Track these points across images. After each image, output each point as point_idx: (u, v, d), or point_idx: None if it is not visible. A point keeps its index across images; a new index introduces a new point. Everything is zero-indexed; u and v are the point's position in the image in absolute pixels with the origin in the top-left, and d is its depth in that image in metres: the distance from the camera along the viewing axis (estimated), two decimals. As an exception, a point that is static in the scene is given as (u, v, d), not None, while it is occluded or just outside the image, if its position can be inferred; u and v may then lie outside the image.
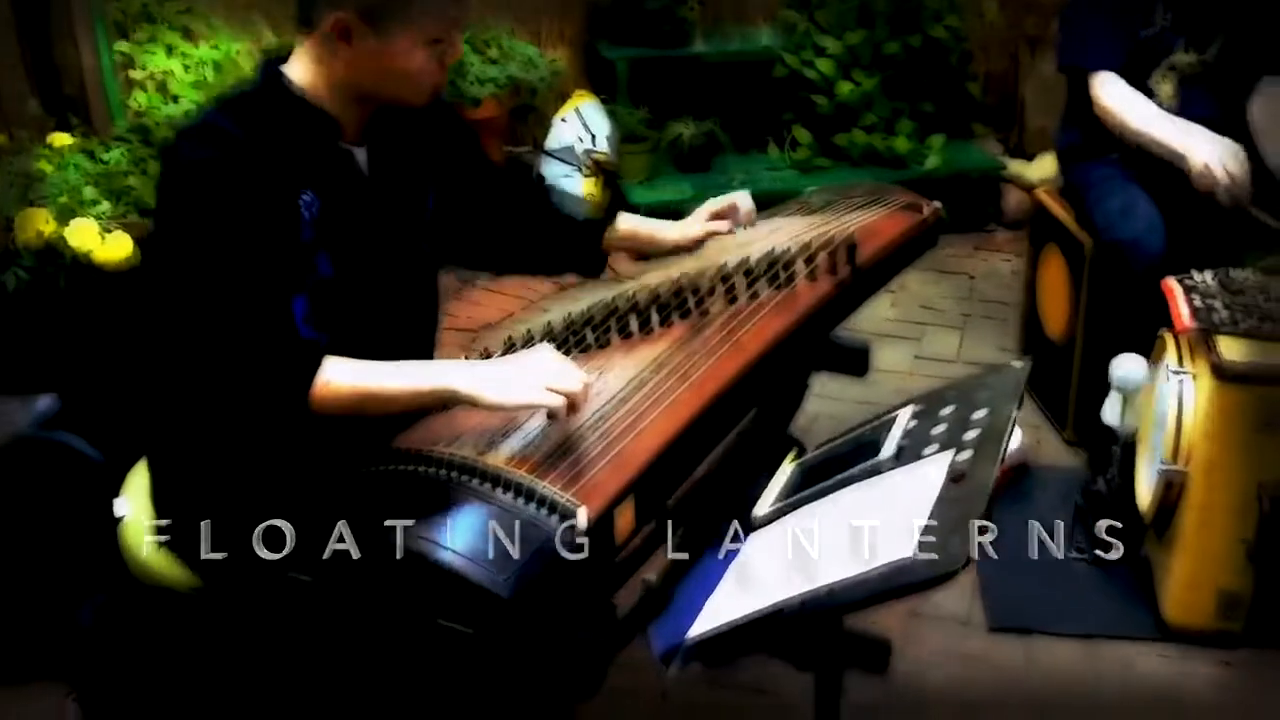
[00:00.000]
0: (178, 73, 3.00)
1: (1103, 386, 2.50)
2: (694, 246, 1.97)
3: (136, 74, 3.05)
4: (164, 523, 1.59)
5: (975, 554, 1.13)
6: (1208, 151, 2.38)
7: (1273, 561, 2.17)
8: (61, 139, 2.66)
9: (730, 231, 1.98)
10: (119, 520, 1.73)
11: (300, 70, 1.53)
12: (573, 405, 1.41)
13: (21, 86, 2.94)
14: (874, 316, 3.47)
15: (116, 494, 1.83)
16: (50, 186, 2.41)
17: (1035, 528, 2.52)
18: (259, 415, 1.45)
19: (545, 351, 1.47)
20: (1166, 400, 2.17)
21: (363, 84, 1.52)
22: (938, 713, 2.14)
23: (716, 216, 1.97)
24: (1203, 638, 2.25)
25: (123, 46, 3.06)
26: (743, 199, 1.99)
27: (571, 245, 1.96)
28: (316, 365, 1.41)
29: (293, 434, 1.44)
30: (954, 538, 1.15)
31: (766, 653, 1.47)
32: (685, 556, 1.88)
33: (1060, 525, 2.56)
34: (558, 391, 1.40)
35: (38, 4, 2.99)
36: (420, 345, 1.72)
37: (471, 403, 1.41)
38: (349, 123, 1.56)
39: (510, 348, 1.69)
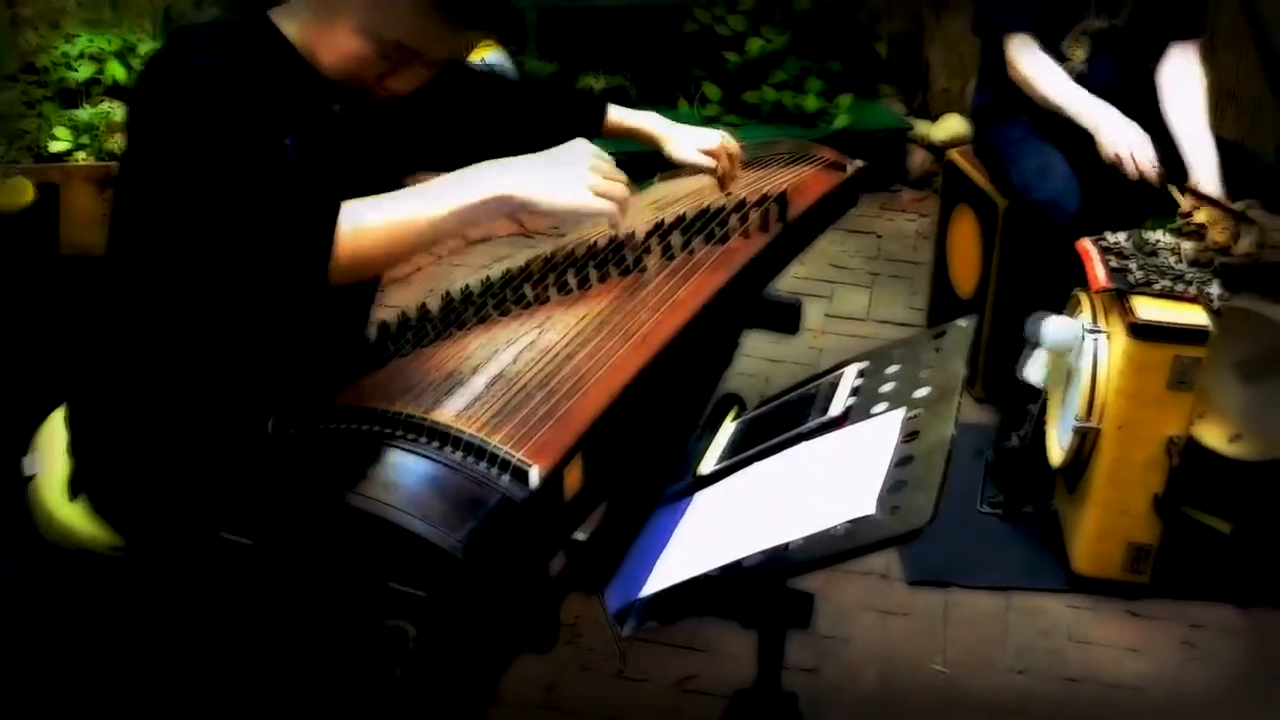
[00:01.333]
0: (71, 9, 2.84)
1: (1013, 344, 2.55)
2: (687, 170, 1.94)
3: (27, 10, 2.89)
4: (85, 476, 1.52)
5: (936, 514, 1.14)
6: (1117, 139, 2.47)
7: (1179, 514, 2.25)
8: (-47, 78, 2.50)
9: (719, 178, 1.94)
10: (27, 479, 1.65)
11: (290, 15, 1.41)
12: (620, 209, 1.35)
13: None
14: (784, 275, 3.49)
15: (19, 451, 1.74)
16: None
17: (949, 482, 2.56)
18: (286, 286, 1.31)
19: (581, 145, 1.38)
20: (1080, 358, 2.23)
21: (311, 39, 1.40)
22: (861, 665, 2.17)
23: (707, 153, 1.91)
24: (1110, 588, 2.32)
25: (13, -19, 2.90)
26: (730, 148, 1.93)
27: (575, 111, 1.89)
28: (335, 212, 1.28)
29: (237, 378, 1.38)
30: (916, 496, 1.16)
31: (711, 611, 1.46)
32: (616, 516, 1.88)
33: (973, 480, 2.62)
34: (604, 195, 1.34)
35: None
36: (363, 294, 1.66)
37: (527, 209, 1.32)
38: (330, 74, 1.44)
39: (448, 305, 1.65)
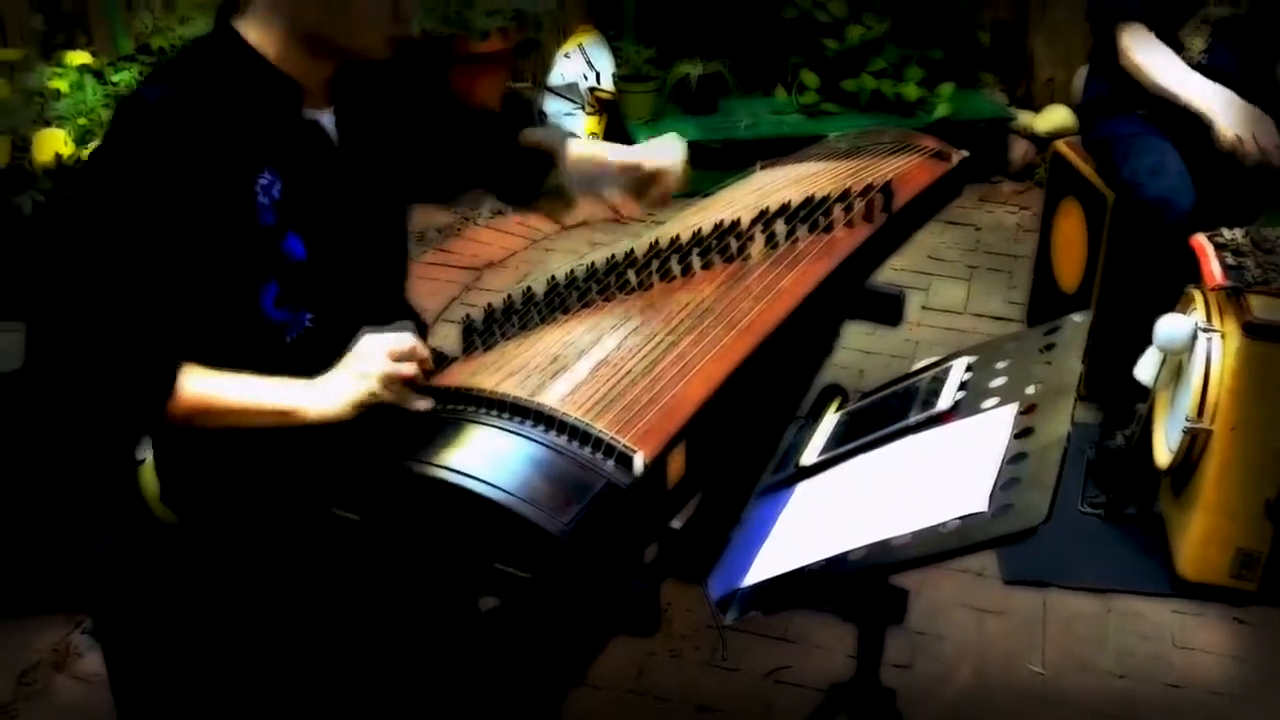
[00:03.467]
0: (185, -9, 2.91)
1: (1119, 341, 2.49)
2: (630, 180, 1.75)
3: (140, -8, 2.97)
4: (172, 474, 1.55)
5: (1051, 513, 1.11)
6: (1237, 123, 2.38)
7: (1292, 521, 2.18)
8: (78, 57, 2.56)
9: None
10: (139, 462, 1.69)
11: (255, 21, 1.39)
12: (417, 377, 1.34)
13: (22, 2, 2.84)
14: (881, 266, 3.45)
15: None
16: (66, 107, 2.32)
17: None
18: (103, 415, 1.34)
19: (365, 343, 1.35)
20: (1192, 357, 2.17)
21: (317, 28, 1.37)
22: (954, 663, 2.14)
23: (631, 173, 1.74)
24: (1216, 594, 2.26)
25: (128, -37, 2.97)
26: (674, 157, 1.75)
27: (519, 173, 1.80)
28: (172, 379, 1.32)
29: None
30: (1030, 494, 1.13)
31: (812, 603, 1.45)
32: (712, 505, 1.88)
33: (1074, 479, 2.56)
34: (389, 378, 1.32)
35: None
36: (394, 299, 1.66)
37: (302, 419, 1.33)
38: (313, 84, 1.42)
39: (553, 288, 1.65)
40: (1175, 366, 2.29)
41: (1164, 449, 2.30)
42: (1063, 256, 3.00)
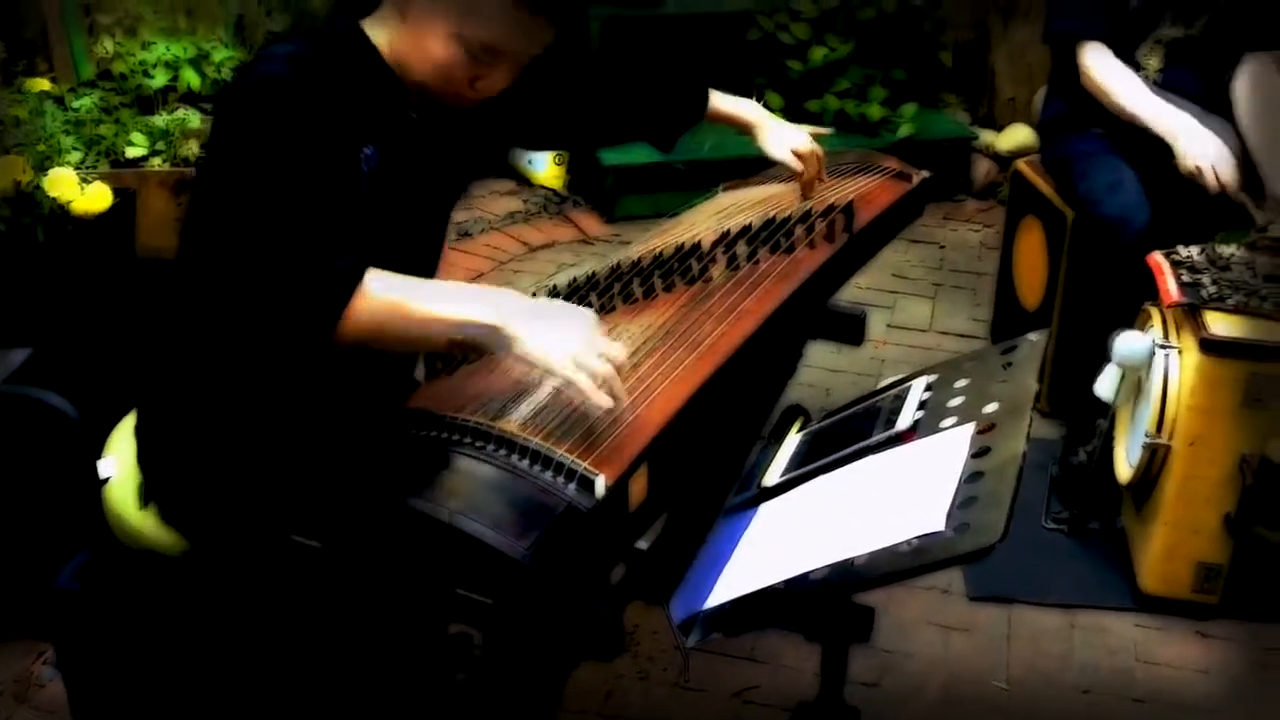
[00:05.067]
0: (148, 17, 2.90)
1: (1080, 357, 2.52)
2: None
3: (104, 18, 2.95)
4: (154, 485, 1.54)
5: (1008, 531, 1.12)
6: (1197, 151, 2.43)
7: (1251, 534, 2.20)
8: (38, 84, 2.55)
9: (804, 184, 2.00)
10: (103, 482, 1.68)
11: (380, 25, 1.43)
12: (604, 389, 1.34)
13: (-19, 28, 2.84)
14: (847, 285, 3.47)
15: (95, 452, 1.77)
16: (26, 134, 2.31)
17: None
18: (295, 324, 1.31)
19: (587, 318, 1.37)
20: (1151, 373, 2.19)
21: (401, 49, 1.41)
22: (921, 680, 2.15)
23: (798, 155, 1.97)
24: (1179, 608, 2.28)
25: (89, -12, 2.96)
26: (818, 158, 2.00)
27: (678, 98, 1.94)
28: (359, 276, 1.30)
29: (303, 386, 1.39)
30: (987, 513, 1.14)
31: (775, 624, 1.46)
32: (678, 525, 1.88)
33: (1037, 496, 2.58)
34: (585, 369, 1.32)
35: (-3, -59, 2.88)
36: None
37: (513, 349, 1.31)
38: (414, 87, 1.46)
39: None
40: (1135, 382, 2.32)
41: (1125, 464, 2.33)
42: (1024, 274, 3.03)
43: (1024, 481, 2.54)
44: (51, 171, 2.26)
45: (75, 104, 2.53)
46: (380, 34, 1.44)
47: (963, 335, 3.37)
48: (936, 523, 1.17)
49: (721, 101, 1.97)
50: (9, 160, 2.26)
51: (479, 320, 1.31)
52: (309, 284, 1.29)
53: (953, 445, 1.31)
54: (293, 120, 1.32)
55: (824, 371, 3.10)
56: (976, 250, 3.92)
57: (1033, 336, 1.50)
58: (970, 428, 1.32)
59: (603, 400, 1.33)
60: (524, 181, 4.25)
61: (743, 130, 1.99)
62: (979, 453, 1.27)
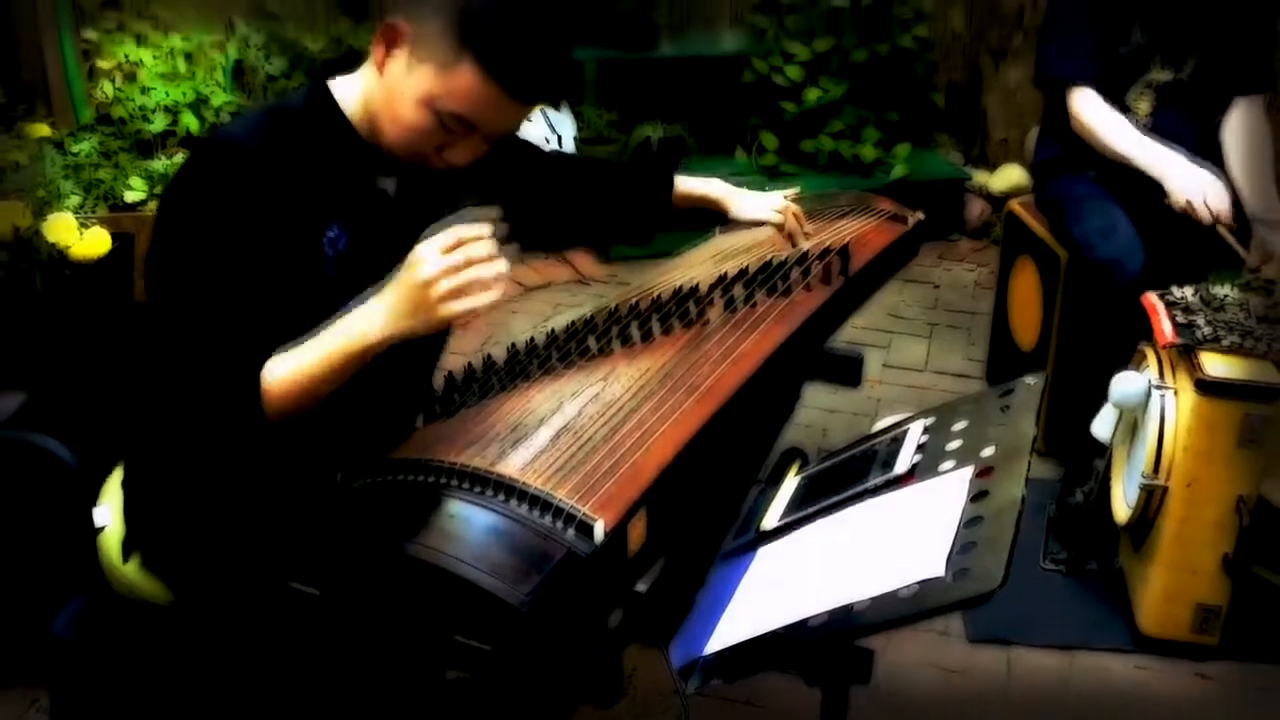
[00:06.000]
0: (148, 63, 2.92)
1: (1076, 397, 2.52)
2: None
3: (104, 63, 2.97)
4: (136, 537, 1.54)
5: (1007, 577, 1.12)
6: (1188, 186, 2.44)
7: (1249, 575, 2.20)
8: (38, 129, 2.57)
9: (787, 236, 1.98)
10: (98, 530, 1.68)
11: (353, 85, 1.44)
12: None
13: (-19, 73, 2.86)
14: (841, 326, 3.49)
15: (91, 498, 1.77)
16: (25, 179, 2.32)
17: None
18: (216, 429, 1.36)
19: (418, 258, 1.30)
20: (1147, 414, 2.20)
21: (373, 104, 1.41)
22: (920, 723, 2.14)
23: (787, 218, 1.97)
24: (1178, 649, 2.27)
25: (91, 34, 2.97)
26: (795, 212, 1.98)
27: (639, 208, 1.93)
28: (258, 372, 1.33)
29: (292, 443, 1.39)
30: (986, 558, 1.14)
31: (774, 668, 1.45)
32: (676, 568, 1.87)
33: (1034, 536, 2.58)
34: (463, 291, 1.30)
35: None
36: (430, 347, 1.68)
37: (377, 342, 1.32)
38: (387, 149, 1.45)
39: (513, 355, 1.66)
40: (1131, 423, 2.32)
41: (1123, 505, 2.33)
42: (1020, 314, 3.04)
43: (1022, 522, 2.54)
44: (50, 216, 2.27)
45: (74, 148, 2.54)
46: (354, 92, 1.44)
47: (958, 375, 3.38)
48: (936, 568, 1.17)
49: (688, 185, 1.95)
50: (8, 206, 2.27)
51: (375, 340, 1.32)
52: (221, 393, 1.33)
53: (951, 489, 1.31)
54: (234, 215, 1.32)
55: (820, 412, 3.10)
56: (971, 290, 3.94)
57: (1030, 379, 1.50)
58: (968, 471, 1.32)
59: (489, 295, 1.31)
60: (520, 222, 4.27)
61: (714, 207, 1.97)
62: (977, 496, 1.27)
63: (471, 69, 1.33)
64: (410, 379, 1.63)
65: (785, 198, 2.00)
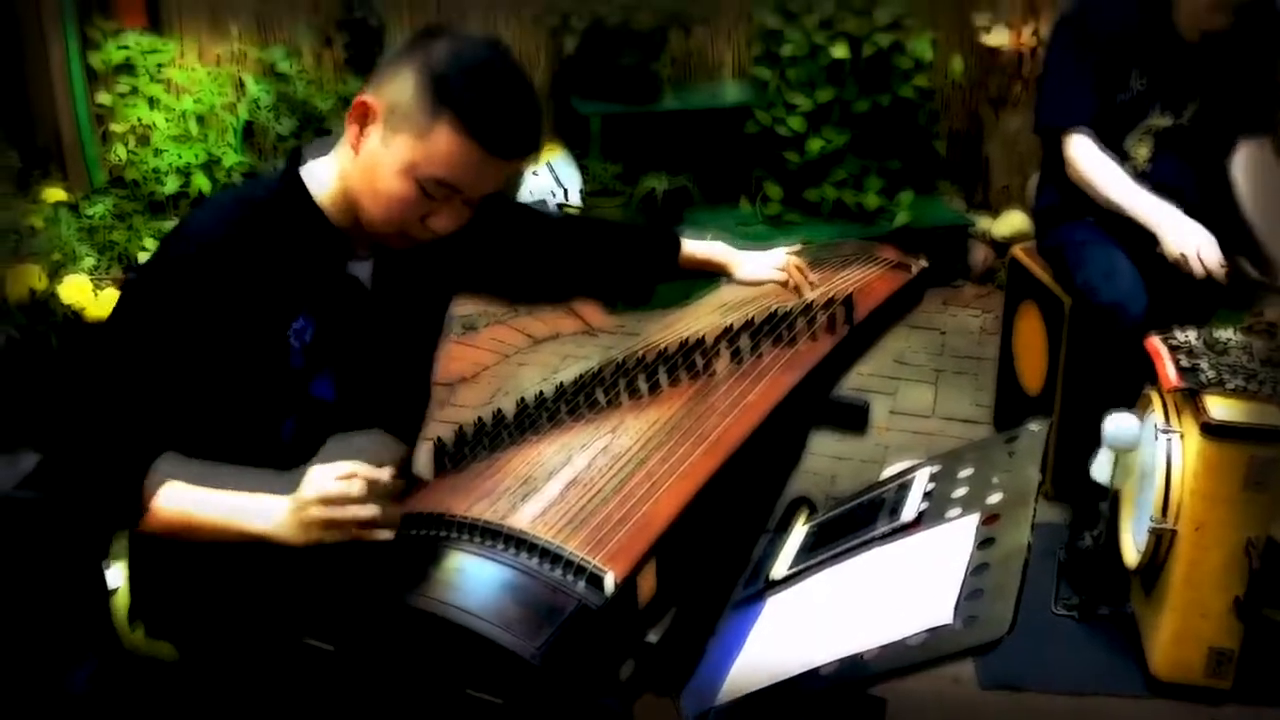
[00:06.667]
0: (160, 125, 2.97)
1: (1083, 441, 2.53)
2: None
3: (117, 127, 3.02)
4: (146, 604, 1.56)
5: (1015, 624, 1.13)
6: (1181, 240, 2.46)
7: (1261, 618, 2.20)
8: (54, 193, 2.61)
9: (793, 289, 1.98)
10: (112, 591, 1.69)
11: (325, 169, 1.45)
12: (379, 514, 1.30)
13: (-3, 136, 2.91)
14: (847, 374, 3.50)
15: (104, 557, 1.79)
16: (41, 242, 2.36)
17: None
18: (88, 512, 1.39)
19: (307, 478, 1.31)
20: (1154, 457, 2.20)
21: (351, 186, 1.42)
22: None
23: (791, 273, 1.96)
24: (1191, 693, 2.26)
25: (104, 98, 3.02)
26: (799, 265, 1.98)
27: (647, 270, 1.94)
28: (140, 480, 1.34)
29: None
30: (994, 605, 1.15)
31: (789, 717, 1.45)
32: (686, 618, 1.88)
33: (1045, 581, 2.58)
34: (335, 523, 1.29)
35: (13, 53, 2.95)
36: (410, 429, 1.69)
37: (262, 537, 1.33)
38: (359, 235, 1.46)
39: (522, 409, 1.68)
40: (1135, 465, 2.33)
41: (1132, 549, 2.33)
42: (1025, 359, 3.05)
43: (1032, 567, 2.54)
44: (66, 278, 2.30)
45: (89, 211, 2.58)
46: (328, 176, 1.44)
47: (966, 420, 3.39)
48: (944, 616, 1.18)
49: (693, 248, 1.95)
50: (24, 269, 2.31)
51: (252, 531, 1.33)
52: (103, 490, 1.35)
53: (958, 536, 1.32)
54: (186, 310, 1.34)
55: (828, 459, 3.11)
56: (977, 335, 3.95)
57: (1034, 425, 1.52)
58: (975, 518, 1.34)
59: (377, 535, 1.29)
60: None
61: (719, 270, 1.98)
62: (984, 543, 1.28)
63: (449, 130, 1.34)
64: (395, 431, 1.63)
65: (787, 253, 2.01)
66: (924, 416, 3.43)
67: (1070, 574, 2.58)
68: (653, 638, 1.69)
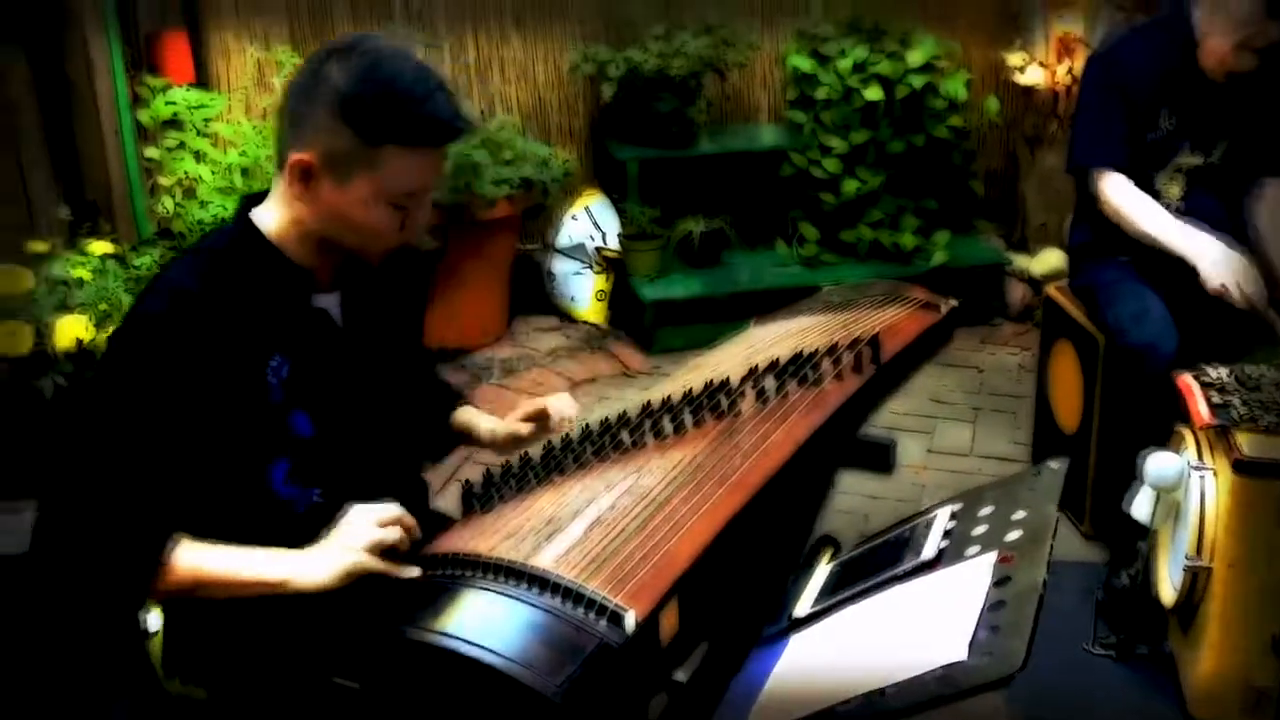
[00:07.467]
0: (206, 178, 3.06)
1: (1120, 480, 2.52)
2: (511, 444, 1.82)
3: (164, 180, 3.12)
4: (181, 655, 1.60)
5: (1028, 660, 1.14)
6: (1220, 271, 2.46)
7: (1299, 656, 2.17)
8: (100, 246, 2.71)
9: (548, 431, 1.81)
10: (150, 635, 1.74)
11: (272, 212, 1.50)
12: (403, 543, 1.42)
13: (49, 191, 3.00)
14: (885, 410, 3.49)
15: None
16: (89, 293, 2.44)
17: (1059, 622, 2.52)
18: (94, 588, 1.41)
19: (352, 514, 1.43)
20: (1188, 494, 2.19)
21: (323, 230, 1.48)
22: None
23: (530, 419, 1.81)
24: (1230, 734, 2.24)
25: (152, 153, 3.12)
26: (557, 404, 1.81)
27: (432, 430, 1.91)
28: (159, 557, 1.38)
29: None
30: (1008, 641, 1.16)
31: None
32: (716, 657, 1.89)
33: (1082, 620, 2.56)
34: (379, 544, 1.40)
35: (64, 109, 3.05)
36: (402, 471, 1.73)
37: (293, 590, 1.40)
38: (322, 268, 1.53)
39: (549, 452, 1.71)
40: (1173, 504, 2.32)
41: (1169, 587, 2.31)
42: (1061, 397, 3.05)
43: (1070, 605, 2.54)
44: (112, 329, 2.37)
45: (136, 261, 2.66)
46: (275, 219, 1.49)
47: (1003, 459, 3.38)
48: (959, 652, 1.19)
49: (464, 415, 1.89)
50: (71, 320, 2.39)
51: (267, 580, 1.40)
52: (113, 561, 1.38)
53: (975, 574, 1.33)
54: (159, 375, 1.38)
55: (864, 498, 3.11)
56: (1015, 374, 3.94)
57: (1053, 463, 1.53)
58: (992, 556, 1.35)
59: (403, 572, 1.39)
60: (567, 318, 4.36)
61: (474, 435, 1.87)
62: (1001, 581, 1.29)
63: (396, 154, 1.42)
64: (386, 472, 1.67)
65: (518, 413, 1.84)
66: (961, 455, 3.43)
67: (1108, 613, 2.56)
68: (682, 676, 1.70)
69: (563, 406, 1.80)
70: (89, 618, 1.48)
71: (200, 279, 1.44)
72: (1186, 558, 2.15)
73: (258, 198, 1.54)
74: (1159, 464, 2.21)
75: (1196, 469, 2.16)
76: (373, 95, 1.41)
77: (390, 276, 1.65)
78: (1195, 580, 2.17)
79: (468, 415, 1.89)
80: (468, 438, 1.88)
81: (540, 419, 1.80)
